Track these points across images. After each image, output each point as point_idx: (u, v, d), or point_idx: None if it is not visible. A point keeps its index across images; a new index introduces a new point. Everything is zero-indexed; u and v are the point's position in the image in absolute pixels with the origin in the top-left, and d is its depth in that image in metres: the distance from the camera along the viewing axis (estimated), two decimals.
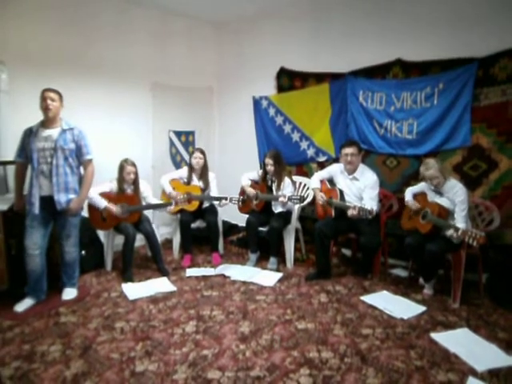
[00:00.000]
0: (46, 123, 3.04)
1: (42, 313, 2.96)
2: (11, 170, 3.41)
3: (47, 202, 3.01)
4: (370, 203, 3.38)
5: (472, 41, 3.36)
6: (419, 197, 3.37)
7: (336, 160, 4.19)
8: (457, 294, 3.08)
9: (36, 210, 2.98)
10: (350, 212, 3.33)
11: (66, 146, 3.02)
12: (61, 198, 3.02)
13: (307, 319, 2.86)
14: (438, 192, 3.19)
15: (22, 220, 3.07)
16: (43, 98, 2.97)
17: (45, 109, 2.97)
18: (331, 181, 3.84)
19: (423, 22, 3.62)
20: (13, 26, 3.66)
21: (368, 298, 3.19)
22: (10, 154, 3.40)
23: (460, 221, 2.97)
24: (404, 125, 3.80)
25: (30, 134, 3.03)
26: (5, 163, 3.48)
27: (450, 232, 2.93)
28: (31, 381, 2.18)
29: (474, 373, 2.23)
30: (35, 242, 3.02)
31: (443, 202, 3.13)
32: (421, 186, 3.38)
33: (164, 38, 4.88)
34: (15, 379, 2.18)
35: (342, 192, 3.65)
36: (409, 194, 3.44)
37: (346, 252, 4.35)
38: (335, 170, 3.79)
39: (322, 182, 3.85)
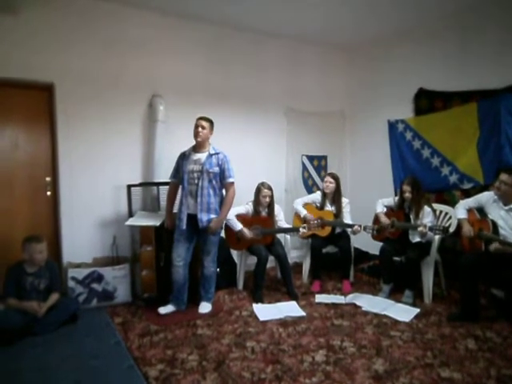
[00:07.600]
0: (197, 148, 3.37)
1: (181, 322, 3.21)
2: (163, 190, 3.84)
3: (192, 219, 3.30)
4: None
5: None
6: None
7: (485, 187, 3.73)
8: None
9: (183, 225, 3.29)
10: (494, 247, 2.96)
11: (211, 169, 3.29)
12: (203, 217, 3.28)
13: (452, 367, 2.51)
14: None
15: (170, 235, 3.42)
16: (195, 126, 3.32)
17: (195, 135, 3.31)
18: (481, 210, 3.41)
19: None
20: (168, 66, 4.22)
21: None
22: (163, 176, 3.84)
23: None
24: None
25: (183, 157, 3.40)
26: (158, 184, 3.92)
27: None
28: None
29: None
30: (179, 254, 3.34)
31: None
32: None
33: (296, 65, 5.05)
34: (159, 381, 2.36)
35: (494, 224, 3.20)
36: None
37: (497, 292, 3.77)
38: (486, 198, 3.35)
39: (469, 211, 3.44)
